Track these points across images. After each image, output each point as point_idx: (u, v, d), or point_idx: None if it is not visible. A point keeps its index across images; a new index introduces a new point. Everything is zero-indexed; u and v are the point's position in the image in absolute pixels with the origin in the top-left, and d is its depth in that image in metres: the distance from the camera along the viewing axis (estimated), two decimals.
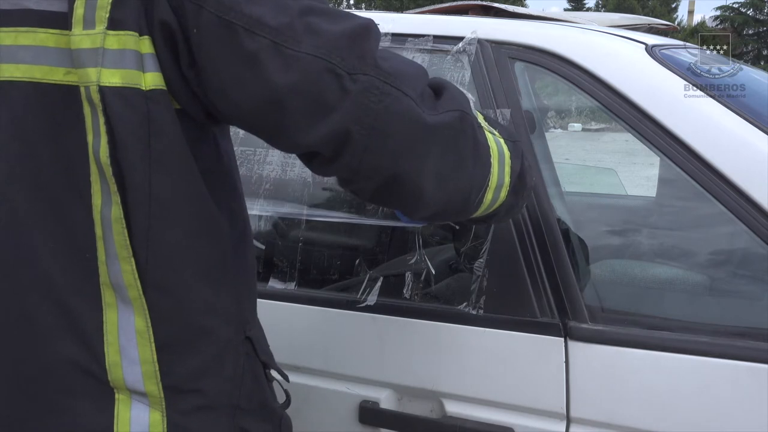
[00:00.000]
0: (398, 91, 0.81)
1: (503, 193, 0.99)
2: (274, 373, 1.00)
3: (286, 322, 1.36)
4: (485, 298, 1.24)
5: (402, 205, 0.94)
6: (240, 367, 0.92)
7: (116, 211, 0.81)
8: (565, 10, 34.57)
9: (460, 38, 1.37)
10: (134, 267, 0.82)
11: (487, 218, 1.05)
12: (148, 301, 0.84)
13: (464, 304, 1.25)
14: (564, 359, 1.16)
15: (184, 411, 0.87)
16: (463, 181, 0.92)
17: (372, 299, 1.30)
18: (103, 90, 0.78)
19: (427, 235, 1.42)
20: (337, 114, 0.79)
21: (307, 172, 1.40)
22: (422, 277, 1.32)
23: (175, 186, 0.83)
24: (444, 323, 1.25)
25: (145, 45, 0.79)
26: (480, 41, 1.35)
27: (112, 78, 0.79)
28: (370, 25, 0.84)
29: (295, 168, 1.42)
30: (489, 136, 0.95)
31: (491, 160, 0.94)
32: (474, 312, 1.24)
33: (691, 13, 35.99)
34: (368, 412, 1.28)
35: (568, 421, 1.16)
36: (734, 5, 34.29)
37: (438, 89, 0.89)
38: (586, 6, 44.66)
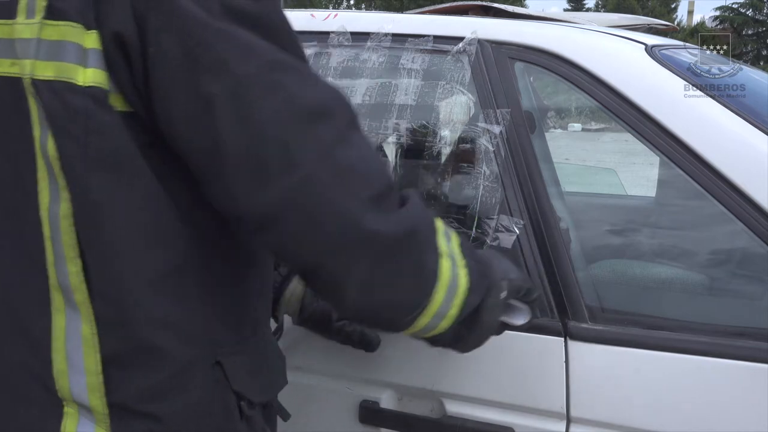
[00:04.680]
0: (343, 188, 0.76)
1: (444, 323, 0.91)
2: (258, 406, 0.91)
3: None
4: None
5: (324, 298, 0.90)
6: (209, 394, 0.84)
7: (65, 207, 0.77)
8: (565, 10, 34.58)
9: (460, 38, 1.37)
10: (80, 269, 0.78)
11: (431, 340, 0.97)
12: (94, 307, 0.79)
13: None
14: (564, 359, 1.16)
15: None
16: (391, 298, 0.86)
17: None
18: (36, 83, 0.75)
19: None
20: (271, 191, 0.75)
21: None
22: None
23: (119, 189, 0.77)
24: None
25: (91, 39, 0.75)
26: (480, 41, 1.35)
27: (46, 71, 0.75)
28: (337, 104, 0.79)
29: None
30: (445, 264, 0.87)
31: (436, 287, 0.86)
32: None
33: (690, 13, 36.05)
34: (368, 412, 1.28)
35: (568, 421, 1.16)
36: (734, 5, 34.31)
37: (404, 200, 0.84)
38: (586, 6, 44.68)
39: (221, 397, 0.85)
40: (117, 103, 0.77)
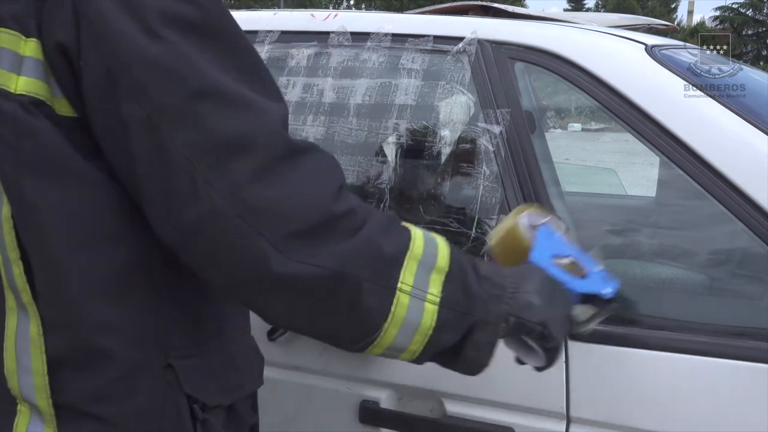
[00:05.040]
0: (252, 229, 0.73)
1: (405, 355, 0.86)
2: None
3: None
4: None
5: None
6: (159, 397, 0.83)
7: (6, 210, 0.77)
8: (565, 10, 34.58)
9: (461, 38, 1.37)
10: (23, 270, 0.78)
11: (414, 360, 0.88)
12: (39, 309, 0.79)
13: None
14: (564, 359, 1.16)
15: None
16: (321, 331, 0.84)
17: None
18: None
19: None
20: (175, 222, 0.75)
21: None
22: None
23: (56, 192, 0.77)
24: None
25: (30, 47, 0.74)
26: (480, 41, 1.35)
27: None
28: (262, 137, 0.75)
29: None
30: (402, 301, 0.80)
31: (383, 324, 0.80)
32: None
33: (690, 13, 36.10)
34: (368, 412, 1.28)
35: (568, 421, 1.16)
36: (734, 5, 34.31)
37: (362, 224, 0.78)
38: (586, 6, 44.71)
39: (172, 400, 0.84)
40: (62, 108, 0.76)
